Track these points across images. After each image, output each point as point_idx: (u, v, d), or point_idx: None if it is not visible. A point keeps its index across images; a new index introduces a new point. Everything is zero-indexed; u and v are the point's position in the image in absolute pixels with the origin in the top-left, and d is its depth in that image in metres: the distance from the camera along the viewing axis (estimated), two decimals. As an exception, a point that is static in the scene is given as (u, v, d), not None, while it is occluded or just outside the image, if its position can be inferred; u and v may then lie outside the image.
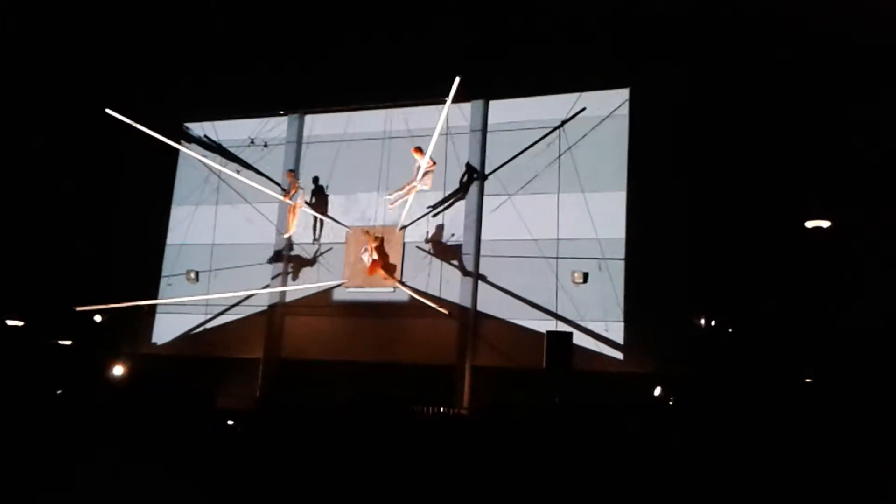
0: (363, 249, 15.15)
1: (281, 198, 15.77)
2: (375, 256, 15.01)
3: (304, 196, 15.67)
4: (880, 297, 11.99)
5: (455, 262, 14.89)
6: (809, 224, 12.44)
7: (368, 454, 3.69)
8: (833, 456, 6.28)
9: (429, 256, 15.08)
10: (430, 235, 15.17)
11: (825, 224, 12.39)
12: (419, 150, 14.46)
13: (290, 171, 15.97)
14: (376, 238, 15.14)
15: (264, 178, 16.40)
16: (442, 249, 15.06)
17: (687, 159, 13.32)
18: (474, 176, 15.12)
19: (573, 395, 11.63)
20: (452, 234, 15.04)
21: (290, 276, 16.14)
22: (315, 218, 15.99)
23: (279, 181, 16.36)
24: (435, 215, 15.24)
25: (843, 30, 12.25)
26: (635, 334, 13.39)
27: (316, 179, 16.24)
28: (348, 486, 3.62)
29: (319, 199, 16.11)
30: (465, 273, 14.76)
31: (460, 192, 15.17)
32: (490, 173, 15.06)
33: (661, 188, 13.49)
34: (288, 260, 16.20)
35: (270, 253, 16.31)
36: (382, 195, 15.28)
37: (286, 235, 15.87)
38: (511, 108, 15.19)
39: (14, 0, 15.82)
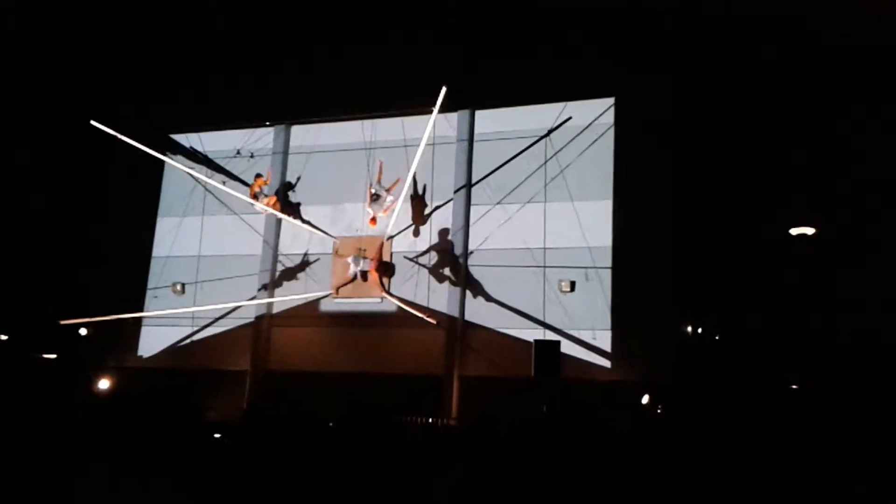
0: (355, 263, 15.09)
1: (249, 199, 15.60)
2: (367, 268, 14.96)
3: (267, 198, 15.59)
4: (865, 304, 12.09)
5: (446, 272, 14.89)
6: (794, 231, 12.55)
7: (357, 466, 3.68)
8: (819, 462, 6.31)
9: (416, 266, 15.08)
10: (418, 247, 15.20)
11: (809, 231, 12.50)
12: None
13: (258, 175, 15.90)
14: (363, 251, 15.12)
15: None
16: (434, 259, 15.08)
17: (673, 167, 13.40)
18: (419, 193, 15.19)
19: (561, 403, 11.63)
20: (447, 236, 15.05)
21: (276, 288, 16.09)
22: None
23: (265, 192, 16.29)
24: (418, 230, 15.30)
25: (828, 36, 12.38)
26: (623, 342, 13.42)
27: (287, 186, 16.21)
28: (337, 498, 3.61)
29: (287, 207, 16.08)
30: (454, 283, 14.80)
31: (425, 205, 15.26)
32: (476, 182, 15.09)
33: (647, 196, 13.56)
34: (274, 271, 16.15)
35: (257, 264, 16.25)
36: (367, 210, 15.24)
37: (256, 205, 15.53)
38: (498, 118, 15.25)
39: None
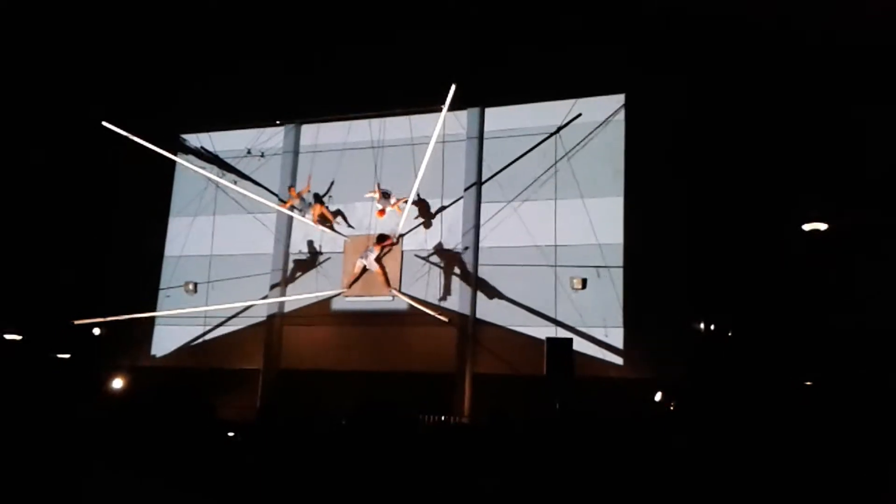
0: (364, 258, 15.03)
1: (286, 210, 15.73)
2: (375, 255, 14.91)
3: (309, 208, 15.62)
4: (878, 299, 12.00)
5: (457, 271, 14.88)
6: (807, 227, 12.47)
7: (370, 464, 3.68)
8: (833, 458, 6.27)
9: (427, 264, 15.07)
10: (432, 246, 15.17)
11: (822, 227, 12.42)
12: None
13: (291, 186, 15.97)
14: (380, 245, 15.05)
15: (261, 189, 16.40)
16: (446, 258, 15.04)
17: (684, 163, 13.34)
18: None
19: (574, 401, 11.61)
20: (458, 245, 15.01)
21: (288, 286, 16.12)
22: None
23: (276, 191, 16.36)
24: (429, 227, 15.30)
25: (838, 34, 12.30)
26: (635, 339, 13.39)
27: (317, 196, 16.19)
28: (350, 496, 3.60)
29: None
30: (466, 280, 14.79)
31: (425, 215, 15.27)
32: (486, 180, 15.08)
33: (658, 193, 13.51)
34: (286, 270, 16.19)
35: (269, 263, 16.30)
36: (377, 205, 15.21)
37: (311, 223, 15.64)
38: (507, 115, 15.22)
39: (8, 12, 15.81)
